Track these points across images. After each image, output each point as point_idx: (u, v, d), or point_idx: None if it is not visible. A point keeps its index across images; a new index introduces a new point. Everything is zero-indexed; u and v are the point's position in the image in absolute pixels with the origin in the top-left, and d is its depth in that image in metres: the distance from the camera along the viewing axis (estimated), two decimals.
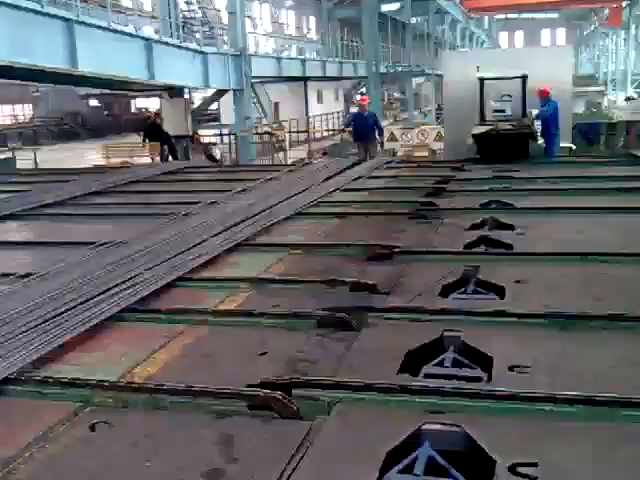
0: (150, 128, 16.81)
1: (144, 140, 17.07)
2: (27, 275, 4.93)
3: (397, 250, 5.39)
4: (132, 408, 3.02)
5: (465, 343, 3.55)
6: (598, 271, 4.72)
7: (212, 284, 4.83)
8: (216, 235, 6.04)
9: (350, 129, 15.07)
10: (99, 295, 4.36)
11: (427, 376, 3.27)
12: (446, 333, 3.64)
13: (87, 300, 4.26)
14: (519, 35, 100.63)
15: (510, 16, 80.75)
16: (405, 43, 40.98)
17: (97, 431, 2.84)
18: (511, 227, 6.14)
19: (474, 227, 6.26)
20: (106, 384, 3.16)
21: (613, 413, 2.72)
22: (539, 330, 3.71)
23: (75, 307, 4.14)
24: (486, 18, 79.18)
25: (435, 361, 3.42)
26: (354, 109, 34.29)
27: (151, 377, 3.33)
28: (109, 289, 4.47)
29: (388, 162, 10.99)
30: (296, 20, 59.11)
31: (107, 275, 4.80)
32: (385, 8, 37.89)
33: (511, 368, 3.23)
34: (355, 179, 9.28)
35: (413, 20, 43.13)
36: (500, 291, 4.41)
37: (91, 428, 2.86)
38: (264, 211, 7.07)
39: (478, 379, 3.22)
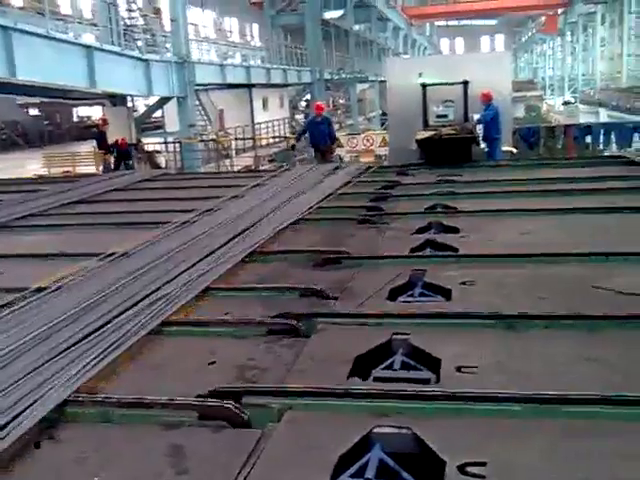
0: (99, 136, 16.52)
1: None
2: (39, 290, 4.71)
3: (345, 256, 5.42)
4: (80, 422, 2.96)
5: (413, 345, 3.58)
6: (542, 271, 4.83)
7: None
8: (225, 245, 5.82)
9: (301, 138, 15.13)
10: (122, 313, 4.15)
11: (377, 380, 3.30)
12: (394, 336, 3.67)
13: (109, 321, 4.03)
14: (459, 41, 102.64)
15: (450, 23, 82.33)
16: (349, 50, 41.30)
17: (42, 448, 2.77)
18: (456, 230, 6.24)
19: (420, 231, 6.34)
20: None
21: (558, 410, 2.78)
22: (485, 330, 3.77)
23: (105, 325, 3.95)
24: (427, 25, 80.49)
25: (384, 364, 3.45)
26: (299, 115, 34.41)
27: (100, 389, 3.27)
28: (133, 305, 4.28)
29: (369, 167, 10.90)
30: (239, 27, 59.00)
31: (123, 290, 4.62)
32: (328, 15, 38.06)
33: (458, 369, 3.28)
34: (345, 184, 9.13)
35: (356, 27, 43.50)
36: (447, 293, 4.48)
37: (36, 445, 2.78)
38: (264, 218, 6.90)
39: (427, 381, 3.25)
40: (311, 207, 7.46)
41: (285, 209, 7.42)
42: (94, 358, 3.47)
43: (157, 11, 19.31)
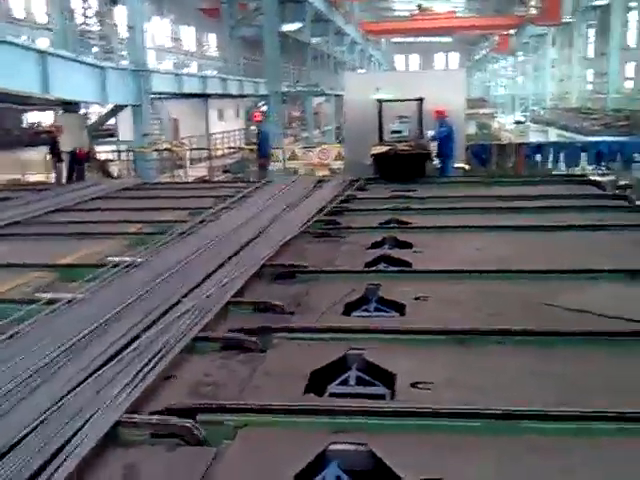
0: (51, 143, 16.10)
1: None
2: (52, 302, 4.58)
3: (301, 269, 5.42)
4: None
5: (368, 361, 3.60)
6: (494, 287, 4.91)
7: None
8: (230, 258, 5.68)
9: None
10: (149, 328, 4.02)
11: (332, 395, 3.31)
12: (349, 352, 3.68)
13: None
14: (414, 58, 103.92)
15: (406, 40, 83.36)
16: (306, 63, 41.48)
17: None
18: (410, 245, 6.30)
19: (375, 245, 6.38)
20: None
21: (513, 426, 2.83)
22: (439, 346, 3.82)
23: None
24: (383, 40, 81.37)
25: (339, 380, 3.46)
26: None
27: None
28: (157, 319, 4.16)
29: (355, 180, 10.51)
30: (196, 36, 58.69)
31: (145, 302, 4.52)
32: (285, 28, 38.18)
33: (413, 384, 3.31)
34: (335, 197, 8.91)
35: (314, 40, 43.74)
36: (400, 308, 4.52)
37: None
38: (264, 231, 6.80)
39: (382, 397, 3.27)
40: (309, 220, 7.34)
41: (284, 220, 7.34)
42: (132, 380, 3.29)
43: (100, 14, 18.86)
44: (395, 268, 5.60)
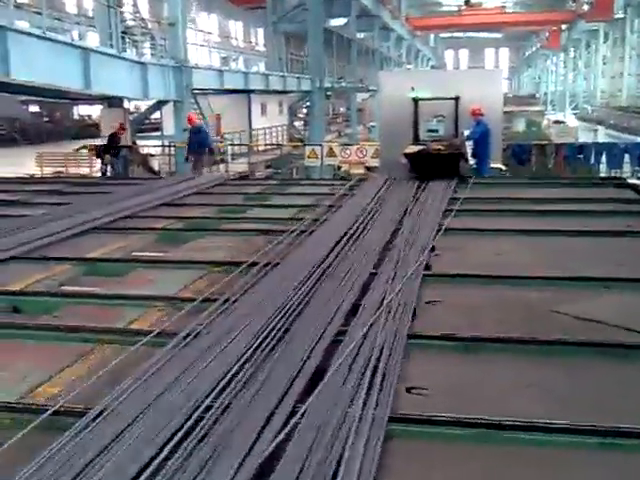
0: (111, 139, 16.34)
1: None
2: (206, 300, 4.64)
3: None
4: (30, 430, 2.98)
5: None
6: (507, 293, 4.89)
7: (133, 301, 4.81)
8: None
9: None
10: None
11: None
12: None
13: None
14: (464, 53, 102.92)
15: (455, 35, 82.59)
16: (350, 59, 41.45)
17: None
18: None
19: None
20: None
21: (497, 435, 2.84)
22: (442, 352, 3.84)
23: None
24: (432, 36, 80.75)
25: None
26: (298, 122, 34.45)
27: (54, 397, 3.31)
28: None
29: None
30: (244, 31, 59.20)
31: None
32: (331, 23, 38.23)
33: (408, 390, 3.34)
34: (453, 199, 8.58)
35: (359, 36, 43.67)
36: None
37: None
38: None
39: None
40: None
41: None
42: None
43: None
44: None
